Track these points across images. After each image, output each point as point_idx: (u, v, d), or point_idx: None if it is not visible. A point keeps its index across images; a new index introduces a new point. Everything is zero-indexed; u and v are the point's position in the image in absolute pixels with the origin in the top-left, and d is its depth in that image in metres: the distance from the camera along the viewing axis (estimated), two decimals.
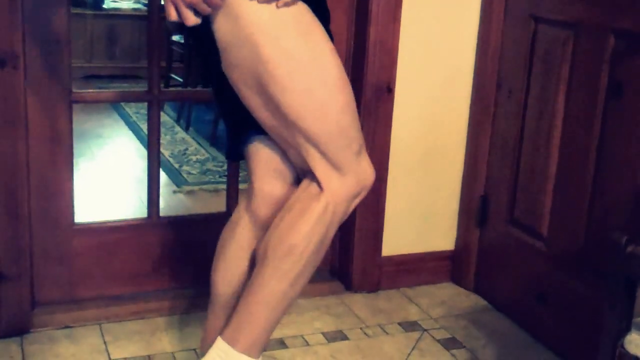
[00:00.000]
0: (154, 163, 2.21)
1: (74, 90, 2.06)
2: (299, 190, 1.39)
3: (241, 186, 2.35)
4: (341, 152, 1.35)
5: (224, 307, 1.53)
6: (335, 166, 1.35)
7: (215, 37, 1.31)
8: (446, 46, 2.31)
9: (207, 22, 1.29)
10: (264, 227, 1.47)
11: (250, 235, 1.51)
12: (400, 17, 2.20)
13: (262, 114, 1.34)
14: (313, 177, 1.37)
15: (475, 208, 2.40)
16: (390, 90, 2.25)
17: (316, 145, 1.33)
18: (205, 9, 1.23)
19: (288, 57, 1.28)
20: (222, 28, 1.29)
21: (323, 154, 1.34)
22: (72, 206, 2.11)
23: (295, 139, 1.34)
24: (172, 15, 1.23)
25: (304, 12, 1.31)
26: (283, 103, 1.30)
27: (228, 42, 1.30)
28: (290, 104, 1.30)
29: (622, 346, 1.31)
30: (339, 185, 1.36)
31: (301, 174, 1.43)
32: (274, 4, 1.26)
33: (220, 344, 1.42)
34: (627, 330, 1.31)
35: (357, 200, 1.41)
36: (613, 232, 1.28)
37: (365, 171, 1.41)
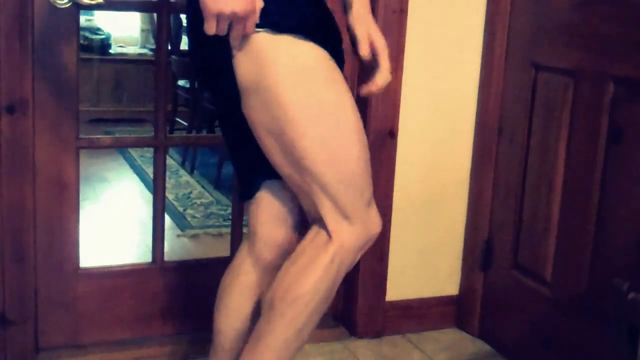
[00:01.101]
0: (159, 209, 2.22)
1: (81, 135, 2.09)
2: (307, 240, 1.39)
3: (245, 230, 2.35)
4: (353, 201, 1.35)
5: (227, 351, 1.53)
6: (346, 215, 1.34)
7: (237, 79, 1.31)
8: (448, 92, 2.34)
9: (225, 64, 1.30)
10: (267, 270, 1.48)
11: (253, 279, 1.51)
12: (402, 63, 2.23)
13: (277, 158, 1.34)
14: (321, 225, 1.36)
15: (479, 253, 2.40)
16: (393, 135, 2.27)
17: (328, 194, 1.33)
18: (239, 29, 1.23)
19: (310, 104, 1.29)
20: (245, 72, 1.29)
21: (335, 202, 1.33)
22: (77, 251, 2.12)
23: (309, 186, 1.34)
24: (212, 29, 1.21)
25: (326, 59, 1.32)
26: (300, 149, 1.30)
27: (251, 86, 1.30)
28: (307, 151, 1.30)
29: None
30: (348, 235, 1.35)
31: (311, 221, 1.42)
32: (296, 52, 1.28)
33: None
34: None
35: (363, 251, 1.41)
36: (615, 278, 1.29)
37: (374, 221, 1.40)
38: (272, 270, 1.46)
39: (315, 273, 1.35)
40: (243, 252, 1.55)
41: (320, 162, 1.31)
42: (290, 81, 1.28)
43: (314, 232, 1.39)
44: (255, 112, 1.32)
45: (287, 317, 1.36)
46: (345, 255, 1.37)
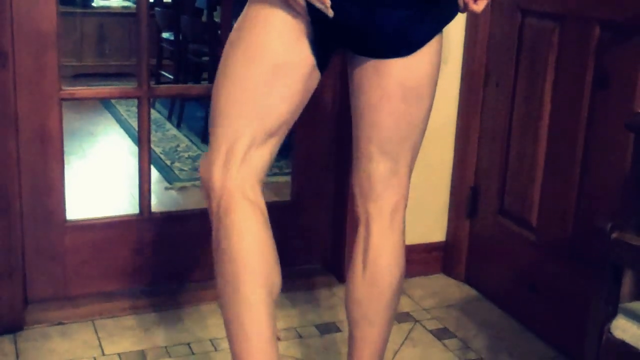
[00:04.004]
0: (145, 159, 2.22)
1: (64, 88, 2.06)
2: (391, 224, 1.56)
3: None
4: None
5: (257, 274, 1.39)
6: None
7: (429, 54, 1.38)
8: None
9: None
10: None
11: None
12: None
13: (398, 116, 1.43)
14: (390, 199, 1.54)
15: (466, 199, 2.41)
16: None
17: (413, 158, 1.50)
18: None
19: (438, 71, 1.44)
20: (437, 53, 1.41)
21: (411, 168, 1.52)
22: (64, 203, 2.11)
23: (409, 148, 1.48)
24: None
25: None
26: (423, 107, 1.43)
27: (439, 48, 1.41)
28: (426, 110, 1.44)
29: (609, 331, 1.33)
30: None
31: (368, 188, 1.54)
32: None
33: None
34: (613, 315, 1.33)
35: None
36: (598, 219, 1.30)
37: None
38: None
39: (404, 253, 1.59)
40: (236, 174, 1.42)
41: (423, 126, 1.47)
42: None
43: (388, 213, 1.56)
44: (431, 76, 1.42)
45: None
46: None
